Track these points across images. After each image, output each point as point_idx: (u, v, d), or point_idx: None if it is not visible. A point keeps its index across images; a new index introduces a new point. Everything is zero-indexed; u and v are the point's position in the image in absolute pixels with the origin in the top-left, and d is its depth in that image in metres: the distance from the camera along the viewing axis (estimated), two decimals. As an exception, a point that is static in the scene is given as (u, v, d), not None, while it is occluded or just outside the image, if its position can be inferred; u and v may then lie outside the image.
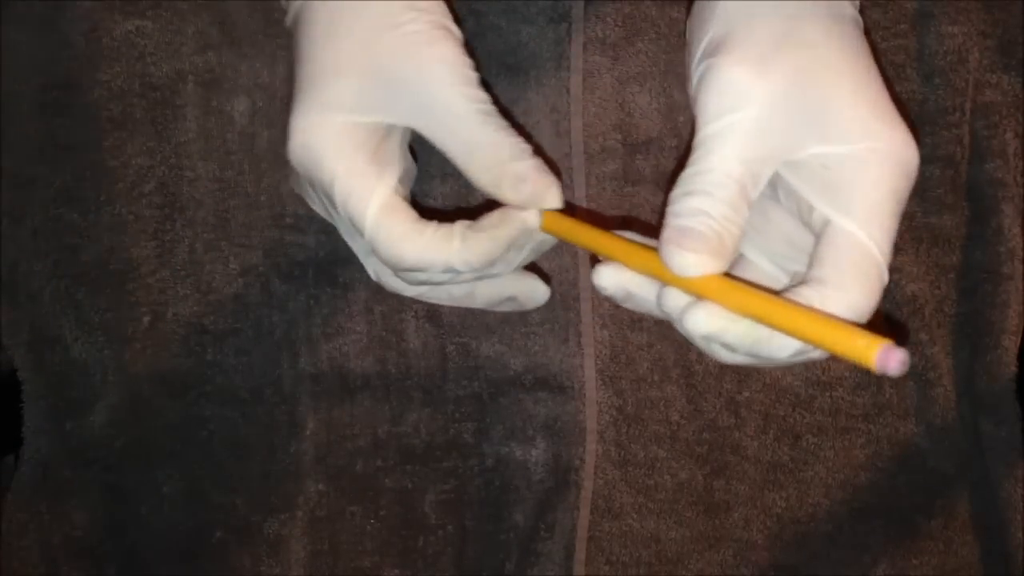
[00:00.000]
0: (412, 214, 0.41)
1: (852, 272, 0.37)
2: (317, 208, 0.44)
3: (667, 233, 0.37)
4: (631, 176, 0.50)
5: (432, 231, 0.41)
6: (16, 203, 0.52)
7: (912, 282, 0.53)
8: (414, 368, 0.52)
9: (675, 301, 0.38)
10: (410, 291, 0.44)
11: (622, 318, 0.51)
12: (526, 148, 0.41)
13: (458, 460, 0.53)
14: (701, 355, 0.52)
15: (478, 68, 0.42)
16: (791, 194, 0.39)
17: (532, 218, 0.41)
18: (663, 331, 0.52)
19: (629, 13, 0.49)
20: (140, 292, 0.52)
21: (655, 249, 0.38)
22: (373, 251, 0.41)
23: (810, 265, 0.38)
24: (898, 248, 0.52)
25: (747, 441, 0.53)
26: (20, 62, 0.51)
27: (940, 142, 0.52)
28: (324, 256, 0.51)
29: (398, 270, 0.42)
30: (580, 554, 0.53)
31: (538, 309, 0.50)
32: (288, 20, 0.44)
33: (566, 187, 0.50)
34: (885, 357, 0.31)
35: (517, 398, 0.52)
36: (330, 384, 0.52)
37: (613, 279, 0.40)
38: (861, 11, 0.50)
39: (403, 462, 0.53)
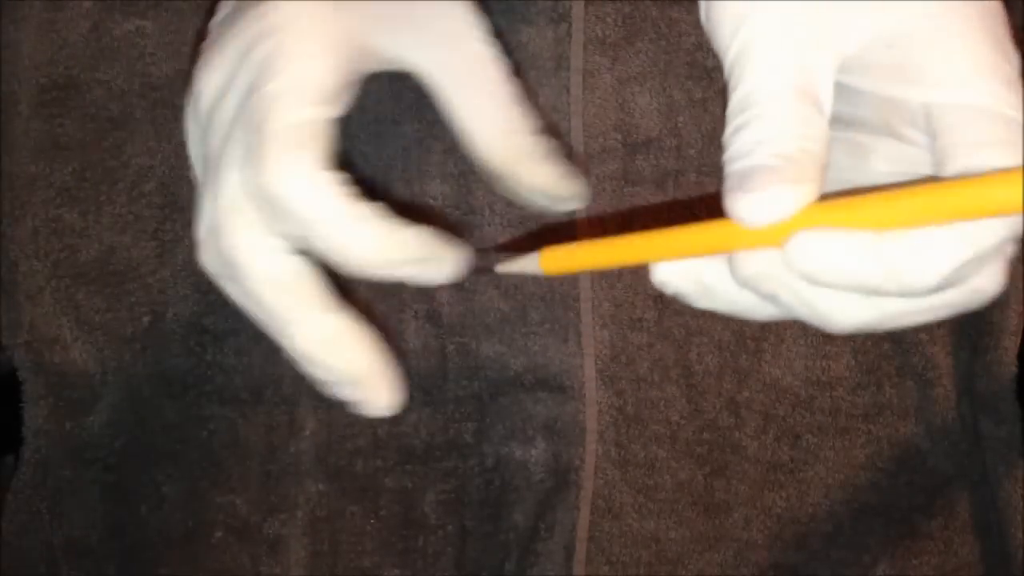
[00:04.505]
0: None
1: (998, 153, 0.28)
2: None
3: (727, 183, 0.30)
4: (631, 176, 0.50)
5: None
6: (16, 203, 0.52)
7: (912, 282, 0.52)
8: (414, 368, 0.52)
9: (750, 267, 0.30)
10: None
11: (622, 318, 0.51)
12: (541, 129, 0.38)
13: (458, 460, 0.53)
14: (701, 355, 0.52)
15: None
16: (845, 111, 0.32)
17: (531, 264, 0.36)
18: (663, 331, 0.52)
19: (629, 13, 0.49)
20: (140, 292, 0.52)
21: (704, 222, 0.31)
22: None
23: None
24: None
25: (747, 441, 0.53)
26: (20, 62, 0.51)
27: (941, 142, 0.51)
28: (324, 256, 0.51)
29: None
30: (580, 554, 0.53)
31: (538, 309, 0.50)
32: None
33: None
34: None
35: (517, 398, 0.52)
36: (330, 384, 0.52)
37: (674, 274, 0.33)
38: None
39: (403, 462, 0.53)
